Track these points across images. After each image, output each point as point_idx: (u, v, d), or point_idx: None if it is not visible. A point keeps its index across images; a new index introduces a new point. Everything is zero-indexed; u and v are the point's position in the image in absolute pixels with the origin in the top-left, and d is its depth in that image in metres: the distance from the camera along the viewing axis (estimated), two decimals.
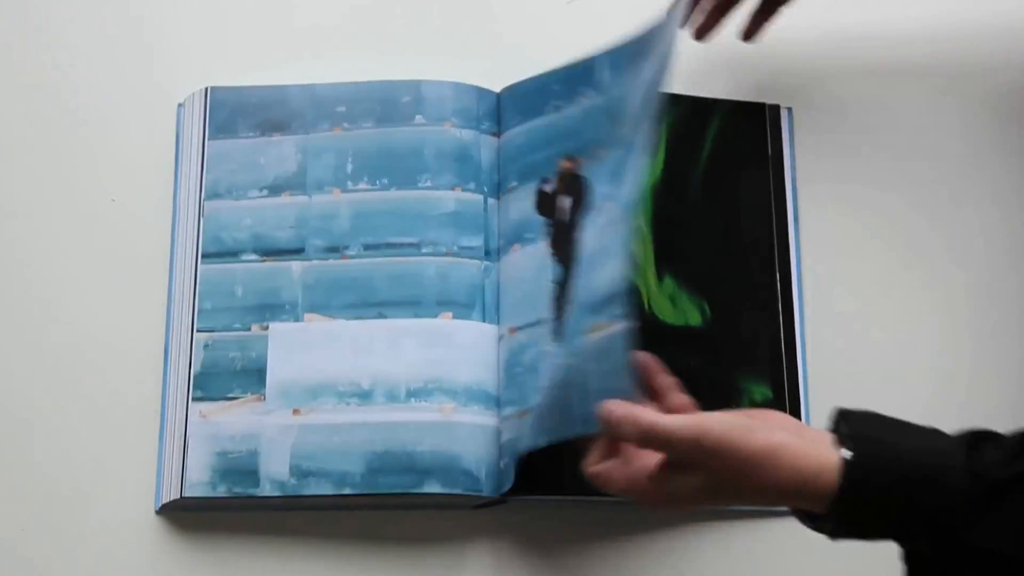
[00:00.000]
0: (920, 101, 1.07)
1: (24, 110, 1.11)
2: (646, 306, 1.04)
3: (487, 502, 1.01)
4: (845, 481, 0.79)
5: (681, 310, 1.05)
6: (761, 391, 1.04)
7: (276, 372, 1.02)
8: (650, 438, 0.82)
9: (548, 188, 1.04)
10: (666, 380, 0.88)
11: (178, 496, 1.00)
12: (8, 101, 1.11)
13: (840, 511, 0.79)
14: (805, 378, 1.05)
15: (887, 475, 0.79)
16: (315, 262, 1.05)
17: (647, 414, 0.82)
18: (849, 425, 0.81)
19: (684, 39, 1.01)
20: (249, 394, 1.02)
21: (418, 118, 1.07)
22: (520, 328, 1.02)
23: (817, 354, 1.07)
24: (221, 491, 0.99)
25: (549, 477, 0.99)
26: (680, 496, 0.83)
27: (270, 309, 1.04)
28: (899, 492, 0.79)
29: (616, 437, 0.85)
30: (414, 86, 1.08)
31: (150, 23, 1.14)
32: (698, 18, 1.06)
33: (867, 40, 1.16)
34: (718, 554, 1.03)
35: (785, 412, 0.96)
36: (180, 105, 1.10)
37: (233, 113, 1.08)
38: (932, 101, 1.06)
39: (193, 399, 1.02)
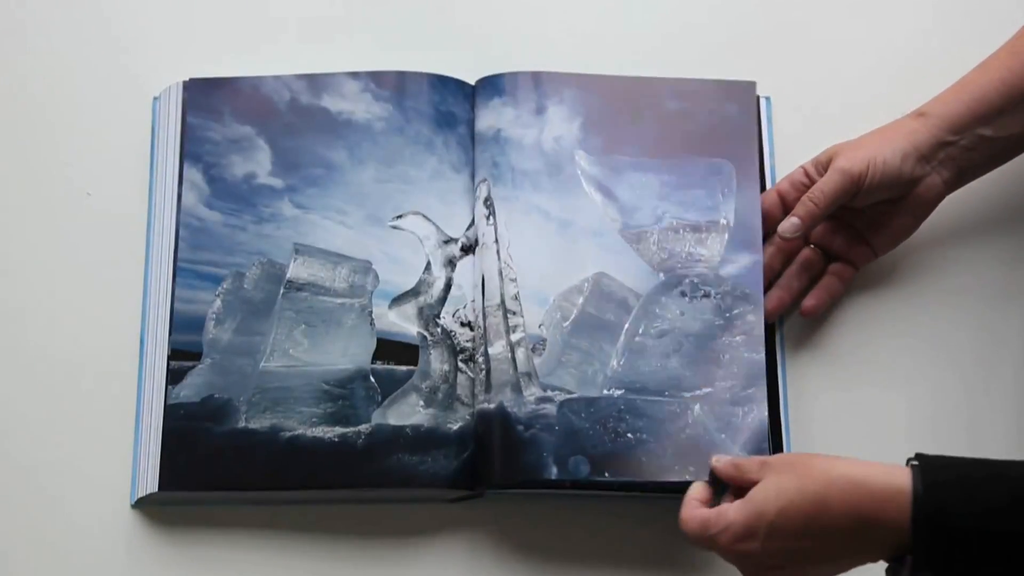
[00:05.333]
0: (902, 92, 1.06)
1: None
2: None
3: (463, 496, 1.01)
4: (917, 478, 0.85)
5: None
6: None
7: None
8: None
9: None
10: None
11: (155, 490, 1.00)
12: None
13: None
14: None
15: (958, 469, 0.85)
16: None
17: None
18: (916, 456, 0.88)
19: None
20: None
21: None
22: None
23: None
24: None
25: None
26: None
27: None
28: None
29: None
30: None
31: (125, 15, 1.13)
32: (780, 293, 1.06)
33: (848, 30, 1.15)
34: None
35: None
36: (156, 98, 1.10)
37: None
38: (913, 95, 1.06)
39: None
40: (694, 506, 0.94)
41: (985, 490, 0.83)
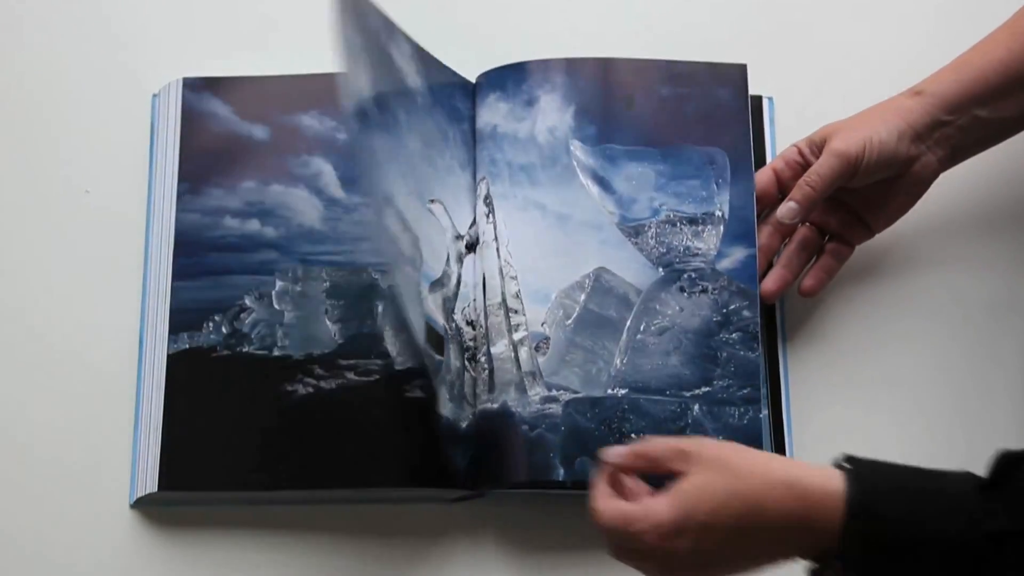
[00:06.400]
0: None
1: None
2: None
3: (465, 495, 1.00)
4: (851, 481, 0.82)
5: None
6: None
7: None
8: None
9: None
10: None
11: (154, 490, 0.99)
12: None
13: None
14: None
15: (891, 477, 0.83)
16: None
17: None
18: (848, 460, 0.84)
19: None
20: None
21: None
22: None
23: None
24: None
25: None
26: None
27: None
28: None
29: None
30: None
31: (124, 13, 1.13)
32: (782, 272, 1.05)
33: (849, 31, 1.16)
34: None
35: None
36: (155, 96, 1.09)
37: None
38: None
39: None
40: (608, 493, 0.87)
41: (917, 497, 0.81)
